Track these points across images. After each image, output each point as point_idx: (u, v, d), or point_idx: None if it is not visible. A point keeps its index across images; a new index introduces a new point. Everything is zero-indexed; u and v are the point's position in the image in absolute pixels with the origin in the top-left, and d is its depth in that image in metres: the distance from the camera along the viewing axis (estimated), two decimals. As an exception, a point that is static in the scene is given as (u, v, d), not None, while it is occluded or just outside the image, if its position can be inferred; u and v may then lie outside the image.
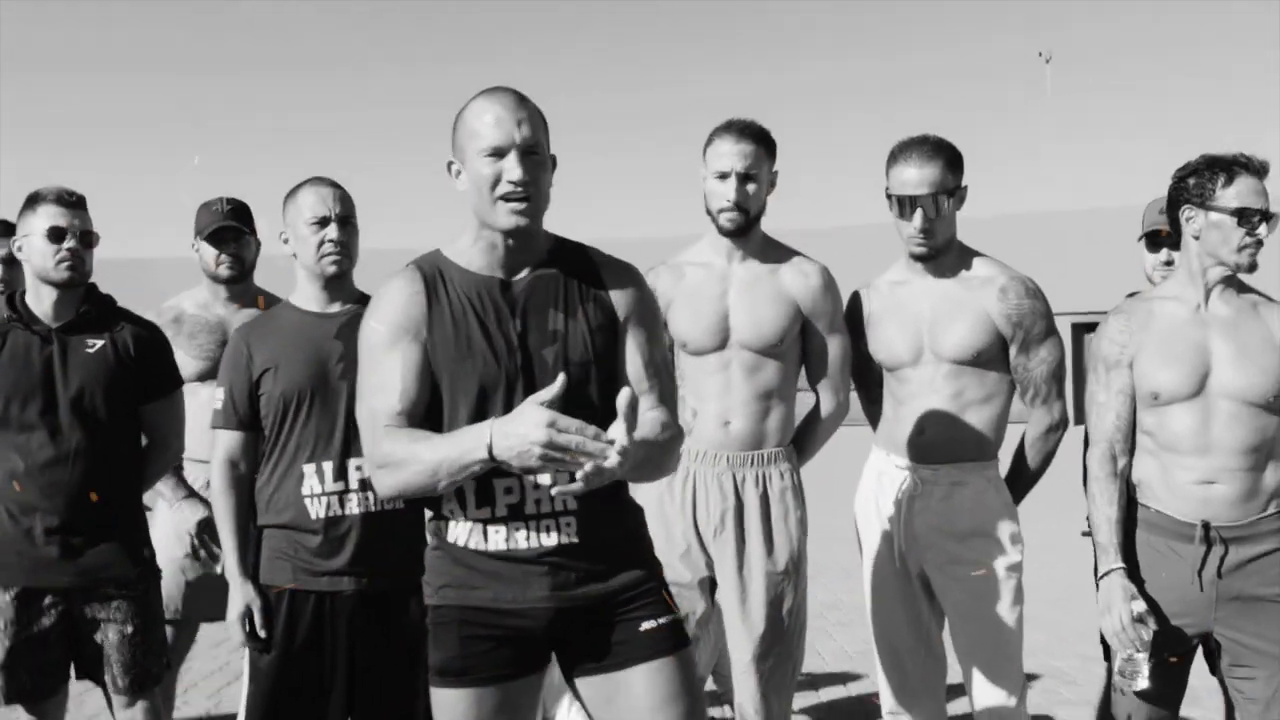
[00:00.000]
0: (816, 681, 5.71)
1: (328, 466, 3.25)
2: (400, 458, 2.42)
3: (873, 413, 3.73)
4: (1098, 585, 3.22)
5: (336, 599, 3.26)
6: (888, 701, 3.61)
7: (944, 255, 3.49)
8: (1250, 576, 3.13)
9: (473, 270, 2.56)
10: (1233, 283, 3.22)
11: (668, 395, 2.64)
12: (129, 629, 3.51)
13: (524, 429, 2.23)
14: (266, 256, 4.18)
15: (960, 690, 3.65)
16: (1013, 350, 3.46)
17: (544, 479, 2.31)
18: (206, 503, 3.93)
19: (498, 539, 2.51)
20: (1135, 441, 3.27)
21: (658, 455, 2.48)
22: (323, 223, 3.32)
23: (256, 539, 3.35)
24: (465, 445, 2.33)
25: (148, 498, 3.78)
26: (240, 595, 3.29)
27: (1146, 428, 3.24)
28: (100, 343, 3.53)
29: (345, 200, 3.38)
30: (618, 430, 2.23)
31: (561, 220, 2.59)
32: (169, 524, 4.02)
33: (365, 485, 3.25)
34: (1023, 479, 3.57)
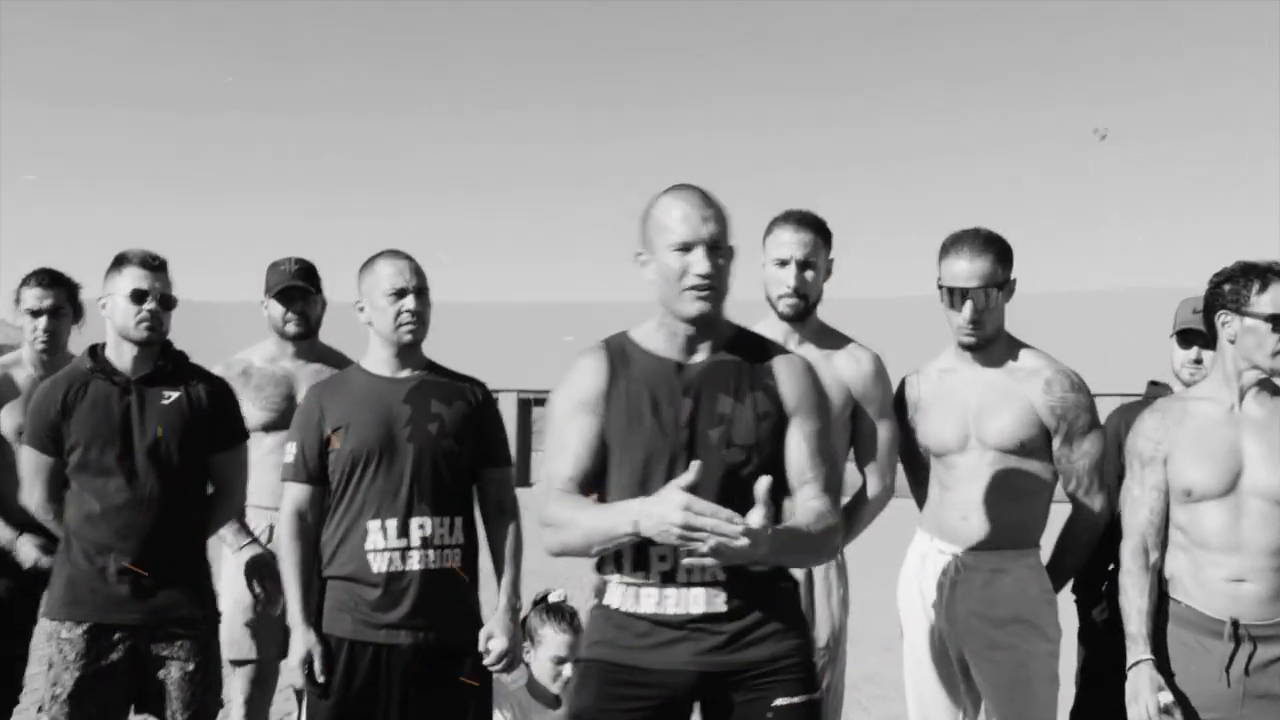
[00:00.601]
0: (847, 754, 5.78)
1: (391, 524, 3.41)
2: (562, 521, 2.68)
3: (919, 494, 3.84)
4: (1126, 675, 3.31)
5: (393, 652, 3.39)
6: (920, 778, 3.70)
7: (992, 345, 3.61)
8: (1278, 676, 3.20)
9: (654, 353, 2.78)
10: (1266, 385, 3.33)
11: (831, 486, 2.78)
12: (191, 667, 3.66)
13: (663, 510, 2.46)
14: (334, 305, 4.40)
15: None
16: (1056, 442, 3.57)
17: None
18: (265, 549, 4.10)
19: (649, 602, 2.69)
20: (1168, 536, 3.38)
21: (808, 544, 2.65)
22: (400, 294, 3.51)
23: (320, 589, 3.49)
24: (615, 520, 2.58)
25: (212, 543, 3.95)
26: (302, 641, 3.43)
27: (1179, 523, 3.34)
28: (175, 395, 3.71)
29: (420, 273, 3.57)
30: (755, 516, 2.42)
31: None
32: (235, 569, 4.19)
33: (426, 543, 3.41)
34: (1063, 567, 3.69)
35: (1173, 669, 3.29)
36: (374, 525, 3.41)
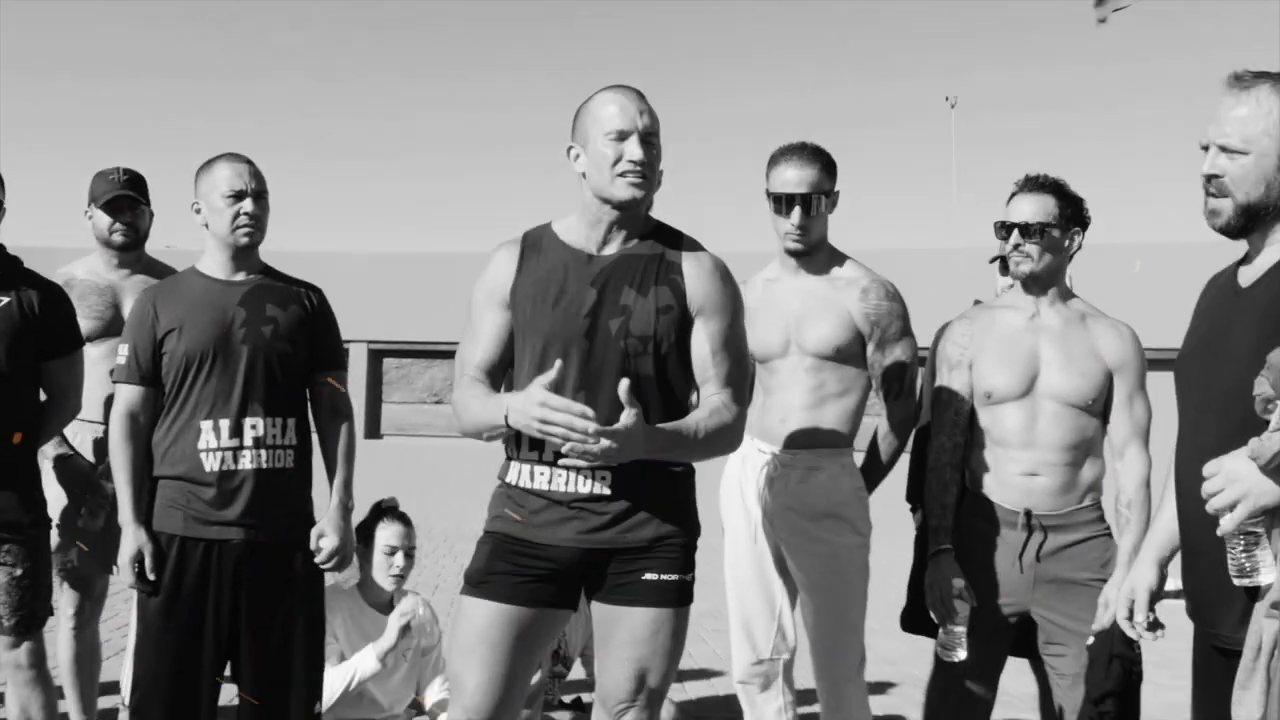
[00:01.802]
0: (683, 677, 6.09)
1: (224, 424, 3.44)
2: (461, 406, 2.94)
3: None
4: (927, 564, 3.54)
5: (224, 547, 3.44)
6: (739, 671, 3.87)
7: (815, 255, 3.77)
8: (1065, 561, 3.47)
9: (568, 243, 2.92)
10: (1062, 295, 3.57)
11: (733, 380, 2.93)
12: (18, 572, 3.64)
13: (524, 405, 2.65)
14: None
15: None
16: (870, 347, 3.75)
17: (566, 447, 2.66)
18: (84, 460, 4.08)
19: (541, 480, 2.89)
20: (972, 436, 3.60)
21: (696, 440, 2.82)
22: (238, 196, 3.51)
23: (151, 489, 3.51)
24: (494, 410, 2.80)
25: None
26: (133, 539, 3.45)
27: (981, 423, 3.58)
28: (6, 300, 3.66)
29: (259, 176, 3.57)
30: (625, 417, 2.60)
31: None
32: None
33: (259, 443, 3.46)
34: (876, 468, 3.88)
35: (971, 558, 3.52)
36: (207, 425, 3.44)
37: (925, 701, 3.71)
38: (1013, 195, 3.56)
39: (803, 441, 3.73)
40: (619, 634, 2.89)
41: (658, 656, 2.88)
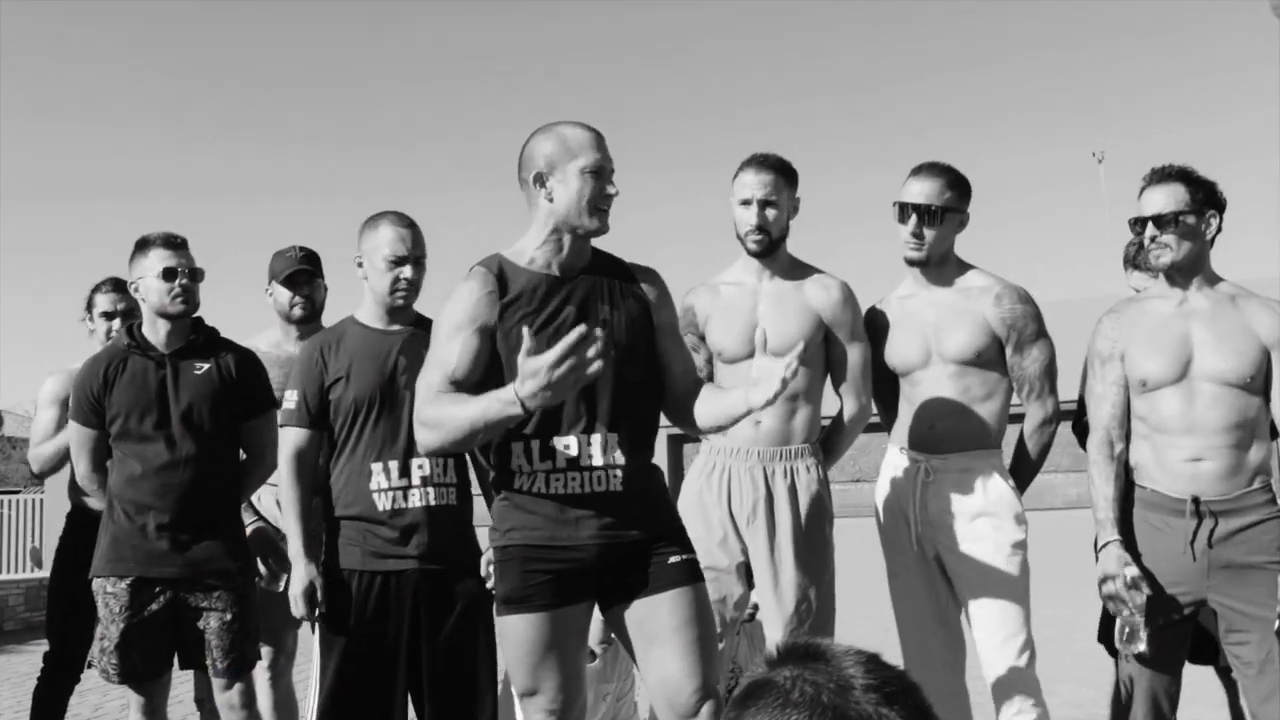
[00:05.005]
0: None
1: (393, 465, 3.67)
2: (439, 419, 2.95)
3: (888, 418, 4.01)
4: (1097, 558, 3.46)
5: (401, 577, 3.64)
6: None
7: (943, 268, 3.80)
8: (1238, 546, 3.35)
9: (533, 269, 3.11)
10: (1209, 279, 3.50)
11: (690, 371, 3.25)
12: (228, 616, 3.94)
13: (525, 378, 2.76)
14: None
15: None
16: (1008, 351, 3.74)
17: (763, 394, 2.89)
18: (269, 525, 4.36)
19: (557, 485, 3.04)
20: (1130, 428, 3.53)
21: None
22: (399, 262, 3.77)
23: (330, 529, 3.75)
24: (497, 407, 2.82)
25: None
26: (304, 574, 3.70)
27: (1139, 413, 3.50)
28: (206, 366, 4.02)
29: (419, 241, 3.83)
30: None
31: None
32: None
33: (426, 481, 3.67)
34: (1024, 468, 3.82)
35: (1140, 549, 3.45)
36: (377, 467, 3.67)
37: (1112, 699, 3.61)
38: (1143, 189, 3.53)
39: (952, 445, 3.74)
40: (665, 621, 3.00)
41: (707, 638, 3.03)
